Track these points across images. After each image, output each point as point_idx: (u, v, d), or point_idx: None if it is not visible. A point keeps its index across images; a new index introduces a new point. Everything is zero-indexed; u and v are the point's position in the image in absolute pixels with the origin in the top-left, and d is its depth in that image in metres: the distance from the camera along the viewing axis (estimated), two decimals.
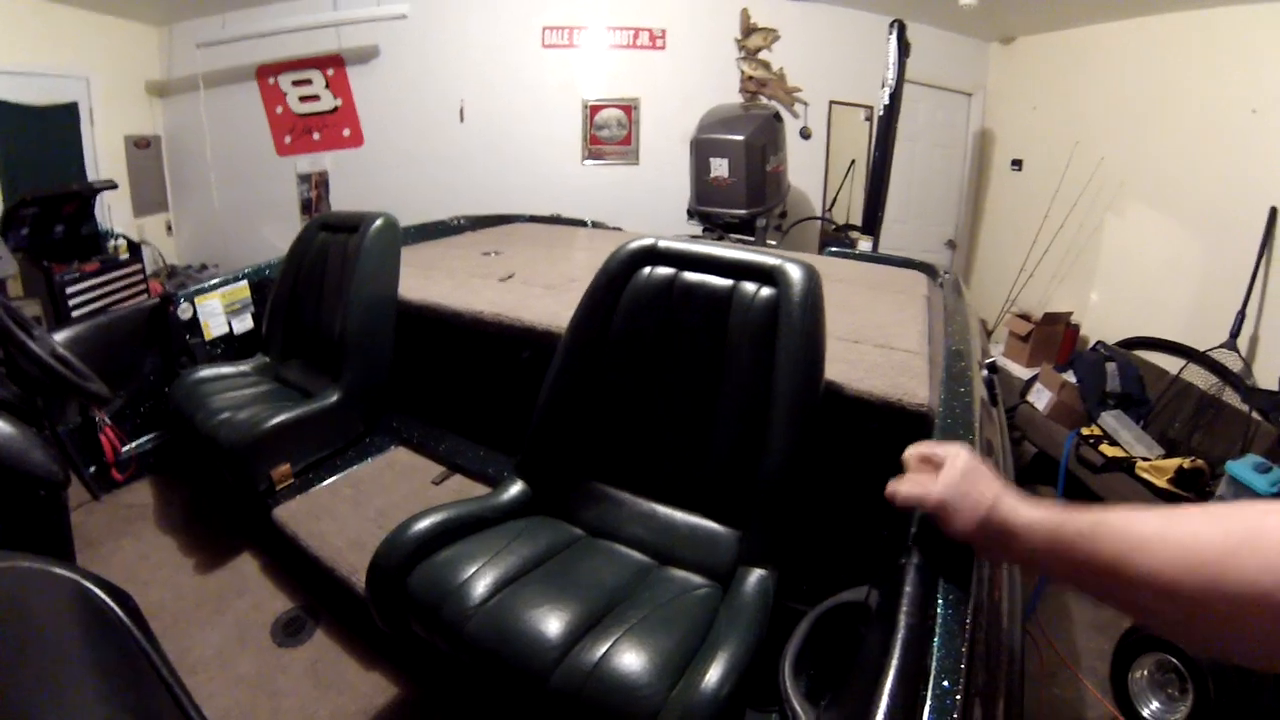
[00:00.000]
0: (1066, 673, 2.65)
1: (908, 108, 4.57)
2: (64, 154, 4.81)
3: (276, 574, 1.86)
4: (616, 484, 1.61)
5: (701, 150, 4.47)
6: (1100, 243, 4.89)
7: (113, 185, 4.50)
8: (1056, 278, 5.12)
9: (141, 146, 5.40)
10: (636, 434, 1.59)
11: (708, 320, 1.50)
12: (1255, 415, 3.35)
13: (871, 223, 4.54)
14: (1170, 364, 4.01)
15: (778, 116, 4.75)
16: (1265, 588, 0.51)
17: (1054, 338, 4.75)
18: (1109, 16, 4.71)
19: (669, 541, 1.48)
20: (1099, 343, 4.41)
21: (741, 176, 4.34)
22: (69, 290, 3.94)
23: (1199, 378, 3.79)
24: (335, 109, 5.55)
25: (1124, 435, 3.57)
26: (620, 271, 1.59)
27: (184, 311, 2.39)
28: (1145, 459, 3.38)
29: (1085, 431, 3.69)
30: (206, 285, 2.49)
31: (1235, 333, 3.74)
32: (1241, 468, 2.54)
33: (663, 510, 1.54)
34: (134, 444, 2.27)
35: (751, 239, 4.50)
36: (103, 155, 5.02)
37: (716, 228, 4.59)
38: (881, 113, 4.33)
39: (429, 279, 2.56)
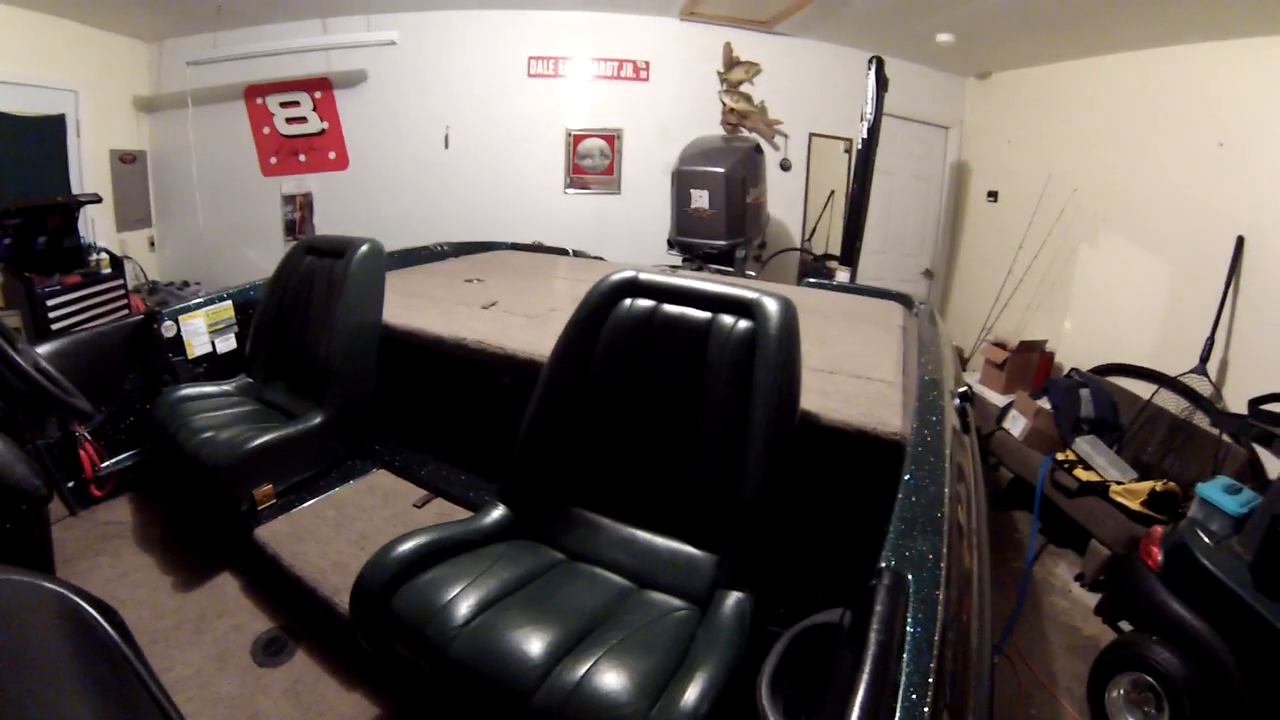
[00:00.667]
0: (1044, 695, 2.68)
1: (886, 140, 4.65)
2: (49, 166, 4.77)
3: (257, 594, 1.85)
4: (597, 509, 1.64)
5: (682, 181, 4.52)
6: (1074, 272, 5.00)
7: (97, 199, 4.48)
8: (1031, 306, 5.22)
9: (127, 161, 5.38)
10: (617, 461, 1.62)
11: (687, 351, 1.55)
12: (1225, 438, 3.43)
13: (850, 253, 4.60)
14: (1142, 389, 4.10)
15: (758, 149, 4.82)
16: None
17: (1029, 365, 4.82)
18: (1081, 54, 4.86)
19: (648, 565, 1.51)
20: (1073, 369, 4.49)
21: (722, 208, 4.39)
22: (49, 303, 3.91)
23: (1170, 402, 3.87)
24: (322, 132, 5.57)
25: (1098, 460, 3.63)
26: (602, 303, 1.63)
27: (168, 329, 2.39)
28: (1119, 483, 3.43)
29: (1060, 457, 3.74)
30: (191, 304, 2.49)
31: (1205, 358, 3.83)
32: (1212, 489, 2.59)
33: (642, 535, 1.57)
34: (114, 460, 2.25)
35: (731, 270, 4.54)
36: (88, 169, 4.99)
37: (696, 258, 4.63)
38: (860, 145, 4.41)
39: (412, 305, 2.58)
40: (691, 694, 1.10)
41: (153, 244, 5.73)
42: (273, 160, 5.62)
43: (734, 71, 5.61)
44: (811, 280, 3.94)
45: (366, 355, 2.33)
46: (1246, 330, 3.79)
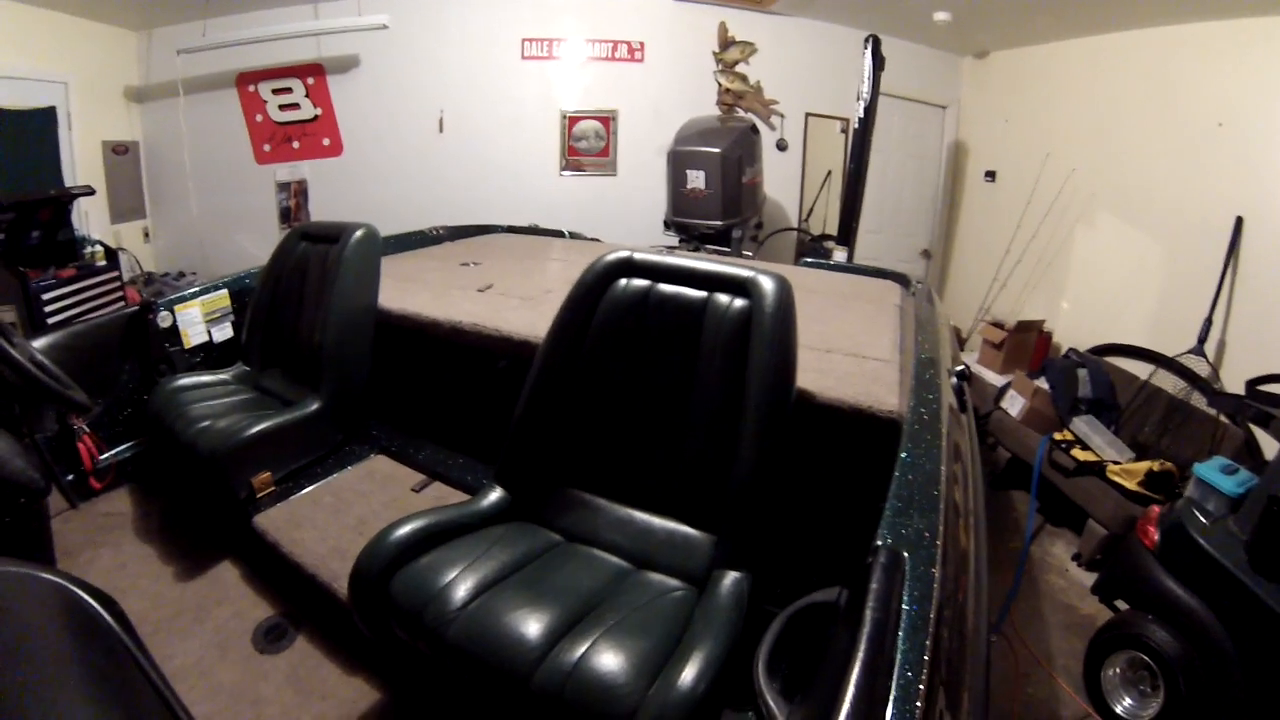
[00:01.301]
0: (1041, 673, 2.70)
1: (883, 120, 4.64)
2: (41, 158, 4.74)
3: (257, 582, 1.86)
4: (593, 490, 1.64)
5: (678, 162, 4.51)
6: (1071, 252, 5.00)
7: (90, 191, 4.45)
8: (1029, 286, 5.22)
9: (119, 152, 5.35)
10: (613, 442, 1.62)
11: (682, 331, 1.54)
12: (1222, 418, 3.45)
13: (847, 233, 4.60)
14: (1140, 370, 4.11)
15: (754, 129, 4.81)
16: None
17: (1027, 345, 4.83)
18: (1079, 32, 4.83)
19: (645, 546, 1.51)
20: (1071, 350, 4.50)
21: (718, 188, 4.39)
22: (45, 296, 3.90)
23: (1168, 383, 3.89)
24: (315, 118, 5.54)
25: (1096, 440, 3.65)
26: (597, 283, 1.63)
27: (163, 319, 2.38)
28: (1116, 463, 3.46)
29: (1058, 436, 3.76)
30: (186, 294, 2.49)
31: (1203, 338, 3.85)
32: (1209, 470, 2.60)
33: (639, 516, 1.57)
34: (112, 452, 2.25)
35: (728, 250, 4.54)
36: (80, 160, 4.95)
37: (693, 239, 4.63)
38: (857, 125, 4.41)
39: (408, 289, 2.58)
40: (689, 673, 1.10)
41: (147, 235, 5.71)
42: (266, 148, 5.59)
43: (729, 51, 5.59)
44: (808, 260, 3.93)
45: (362, 341, 2.33)
46: (1244, 311, 3.80)
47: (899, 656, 0.78)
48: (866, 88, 4.26)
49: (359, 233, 2.30)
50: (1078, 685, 2.62)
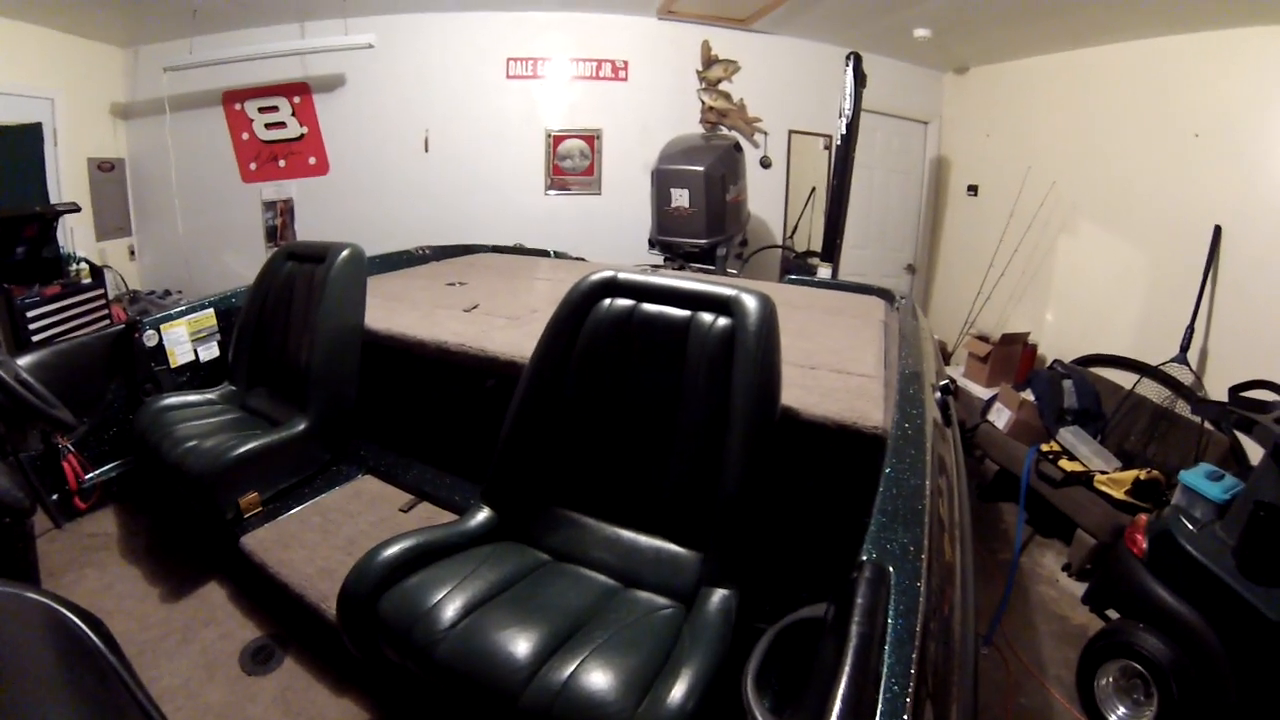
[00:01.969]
0: (1033, 683, 2.71)
1: (866, 136, 4.68)
2: (26, 175, 4.71)
3: (244, 603, 1.85)
4: (580, 509, 1.64)
5: (662, 181, 4.53)
6: (1054, 264, 5.05)
7: (76, 208, 4.44)
8: (1013, 299, 5.27)
9: (105, 169, 5.33)
10: (599, 461, 1.63)
11: (666, 350, 1.56)
12: (1207, 426, 3.48)
13: (831, 249, 4.63)
14: (1124, 379, 4.16)
15: (737, 146, 4.84)
16: None
17: (1012, 357, 4.87)
18: (1058, 47, 4.91)
19: (633, 564, 1.52)
20: (1056, 361, 4.54)
21: (702, 206, 4.41)
22: (29, 314, 3.87)
23: (1152, 392, 3.92)
24: (301, 136, 5.54)
25: (1082, 450, 3.67)
26: (581, 303, 1.64)
27: (149, 338, 2.38)
28: (1103, 472, 3.48)
29: (1045, 448, 3.79)
30: (172, 312, 2.49)
31: (1185, 347, 3.89)
32: (1195, 477, 2.63)
33: (626, 534, 1.58)
34: (97, 472, 2.23)
35: (712, 268, 4.55)
36: (65, 177, 4.93)
37: (678, 257, 4.64)
38: (839, 142, 4.44)
39: (395, 309, 2.58)
40: (678, 691, 1.10)
41: (132, 253, 5.68)
42: (252, 166, 5.58)
43: (712, 69, 5.63)
44: (793, 277, 3.96)
45: (349, 361, 2.32)
46: (1225, 319, 3.85)
47: (885, 670, 0.78)
48: (848, 104, 4.31)
49: (345, 253, 2.31)
50: (1071, 695, 2.63)
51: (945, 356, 5.46)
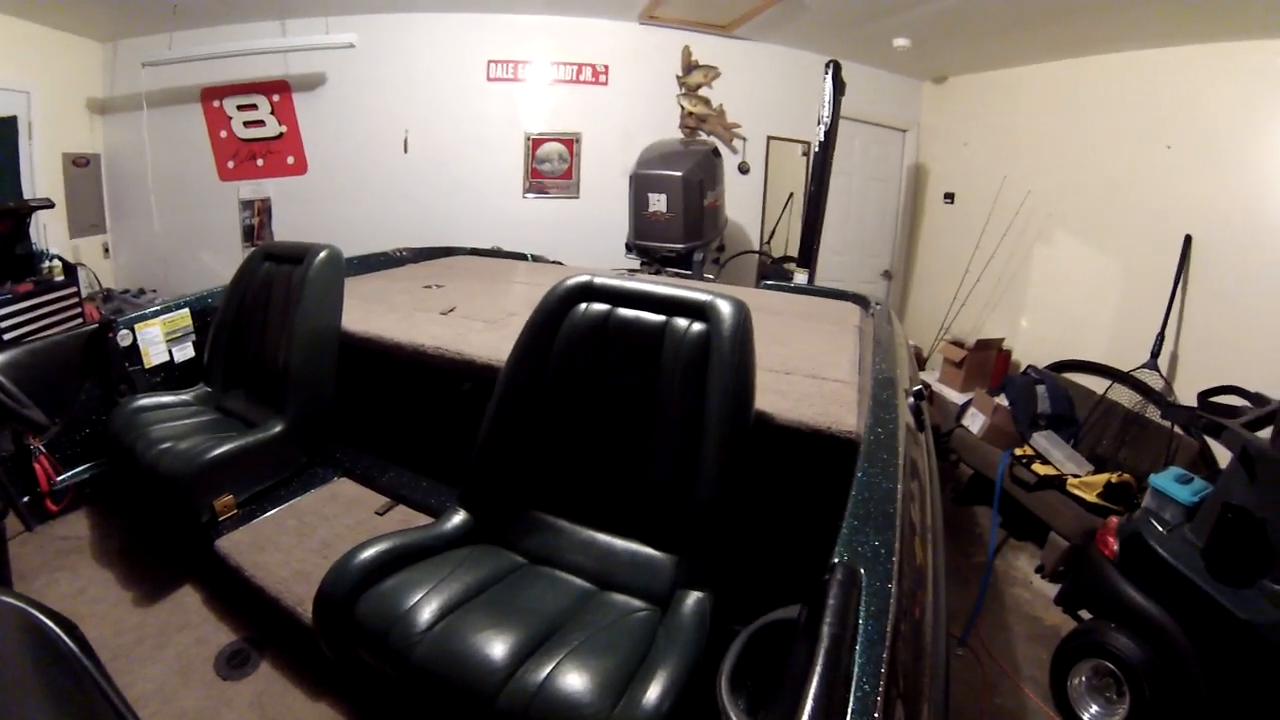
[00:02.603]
0: (1008, 683, 2.75)
1: (844, 143, 4.72)
2: (0, 169, 4.65)
3: (219, 607, 1.83)
4: (556, 513, 1.65)
5: (640, 185, 4.53)
6: (1029, 271, 5.12)
7: (49, 204, 4.37)
8: (988, 305, 5.34)
9: (80, 165, 5.25)
10: (575, 464, 1.64)
11: (642, 354, 1.57)
12: (1177, 430, 3.54)
13: (808, 255, 4.65)
14: (1097, 385, 4.23)
15: (716, 152, 4.85)
16: None
17: (987, 363, 4.92)
18: (1035, 59, 4.98)
19: (608, 567, 1.52)
20: (1030, 366, 4.60)
21: (679, 211, 4.41)
22: (0, 312, 3.82)
23: (1124, 397, 3.99)
24: (280, 135, 5.49)
25: (1055, 454, 3.72)
26: (557, 308, 1.65)
27: (124, 338, 2.35)
28: (1076, 476, 3.53)
29: (1018, 452, 3.84)
30: (147, 312, 2.46)
31: (1156, 353, 3.96)
32: (1165, 480, 2.68)
33: (602, 537, 1.59)
34: (70, 474, 2.20)
35: (689, 273, 4.56)
36: (40, 172, 4.85)
37: (655, 261, 4.65)
38: (818, 148, 4.47)
39: (372, 311, 2.57)
40: (653, 692, 1.11)
41: (107, 250, 5.60)
42: (230, 164, 5.52)
43: (692, 75, 5.65)
44: (769, 282, 3.98)
45: (326, 362, 2.31)
46: (1195, 325, 3.93)
47: (856, 669, 0.80)
48: (827, 112, 4.34)
49: (323, 254, 2.30)
50: (1045, 695, 2.67)
51: (921, 362, 5.52)
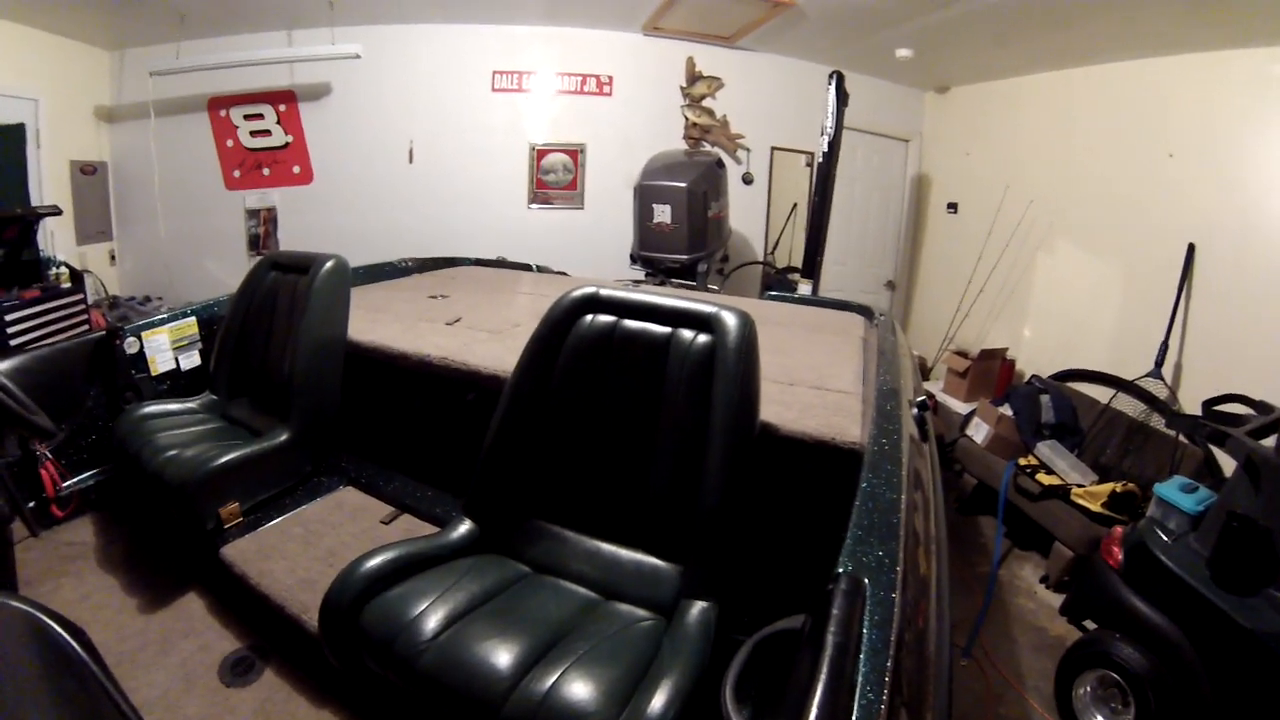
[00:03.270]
0: (1012, 694, 2.74)
1: (847, 153, 4.73)
2: (7, 176, 4.64)
3: (224, 614, 1.83)
4: (561, 523, 1.65)
5: (645, 196, 4.55)
6: (1032, 281, 5.12)
7: (57, 211, 4.39)
8: (992, 315, 5.34)
9: (87, 173, 5.28)
10: (580, 475, 1.64)
11: (647, 366, 1.57)
12: (1181, 439, 3.53)
13: (811, 266, 4.66)
14: (1101, 394, 4.21)
15: (720, 163, 4.87)
16: None
17: (990, 373, 4.92)
18: (1037, 68, 5.00)
19: (613, 577, 1.53)
20: (1033, 376, 4.59)
21: (684, 222, 4.43)
22: (8, 318, 3.83)
23: (1128, 406, 3.99)
24: (286, 145, 5.52)
25: (1059, 464, 3.72)
26: (563, 319, 1.66)
27: (130, 346, 2.36)
28: (1080, 485, 3.53)
29: (1023, 462, 3.84)
30: (154, 319, 2.47)
31: (1160, 362, 3.96)
32: (1169, 489, 2.67)
33: (606, 547, 1.59)
34: (75, 480, 2.22)
35: (693, 284, 4.58)
36: (47, 179, 4.87)
37: (659, 273, 4.66)
38: (821, 159, 4.48)
39: (378, 321, 2.59)
40: (658, 701, 1.12)
41: (113, 257, 5.62)
42: (236, 173, 5.55)
43: (696, 86, 5.68)
44: (773, 293, 3.99)
45: (332, 372, 2.32)
46: (1199, 334, 3.93)
47: (860, 679, 0.80)
48: (830, 122, 4.36)
49: (329, 263, 2.31)
50: (1049, 705, 2.66)
51: (924, 372, 5.51)
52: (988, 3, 3.92)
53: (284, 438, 2.14)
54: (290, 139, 5.53)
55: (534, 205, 5.80)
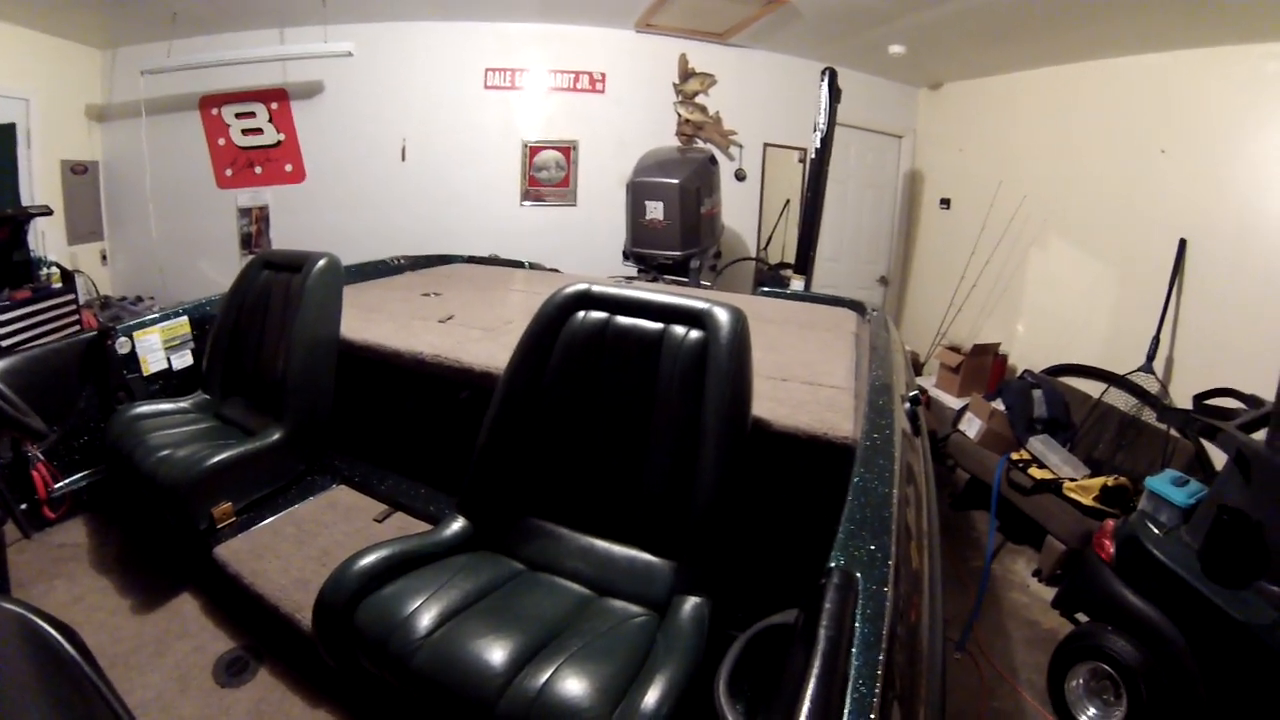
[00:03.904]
0: (1006, 687, 2.76)
1: (840, 150, 4.75)
2: None
3: (217, 614, 1.83)
4: (555, 520, 1.66)
5: (637, 193, 4.55)
6: (1025, 276, 5.14)
7: (48, 211, 4.37)
8: (985, 310, 5.35)
9: (79, 172, 5.25)
10: (573, 472, 1.65)
11: (640, 362, 1.57)
12: (1172, 433, 3.55)
13: (804, 262, 4.67)
14: (1093, 388, 4.23)
15: (713, 159, 4.87)
16: None
17: (983, 368, 4.94)
18: (1030, 65, 5.01)
19: (607, 573, 1.53)
20: (1026, 371, 4.61)
21: (676, 219, 4.43)
22: None
23: (1120, 400, 4.00)
24: (278, 143, 5.51)
25: (1052, 458, 3.74)
26: (556, 316, 1.66)
27: (122, 346, 2.35)
28: (1072, 479, 3.54)
29: (1015, 456, 3.85)
30: (146, 319, 2.46)
31: (1151, 356, 3.98)
32: (1160, 482, 2.69)
33: (600, 544, 1.59)
34: (67, 481, 2.20)
35: (686, 280, 4.57)
36: (38, 179, 4.85)
37: (652, 269, 4.66)
38: (814, 155, 4.49)
39: (370, 320, 2.58)
40: (652, 697, 1.12)
41: (104, 257, 5.60)
42: (228, 172, 5.54)
43: (689, 83, 5.68)
44: (766, 289, 3.99)
45: (325, 370, 2.32)
46: (1190, 329, 3.94)
47: (853, 673, 0.80)
48: (823, 119, 4.36)
49: (322, 262, 2.31)
50: (1042, 698, 2.68)
51: (917, 367, 5.53)
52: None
53: (277, 437, 2.14)
54: (282, 137, 5.51)
55: (527, 202, 5.80)
